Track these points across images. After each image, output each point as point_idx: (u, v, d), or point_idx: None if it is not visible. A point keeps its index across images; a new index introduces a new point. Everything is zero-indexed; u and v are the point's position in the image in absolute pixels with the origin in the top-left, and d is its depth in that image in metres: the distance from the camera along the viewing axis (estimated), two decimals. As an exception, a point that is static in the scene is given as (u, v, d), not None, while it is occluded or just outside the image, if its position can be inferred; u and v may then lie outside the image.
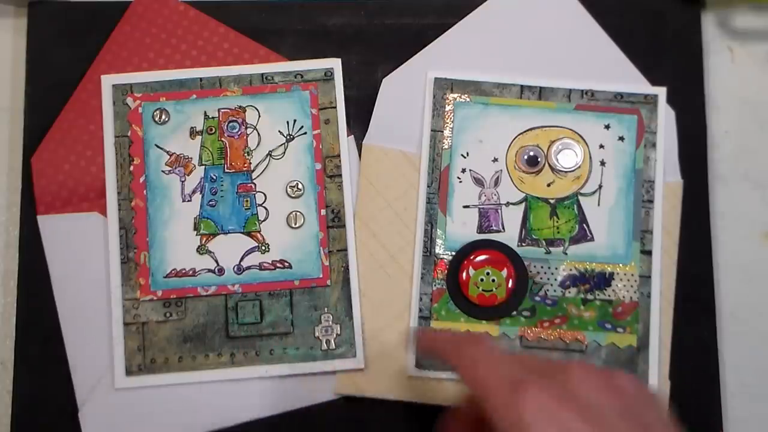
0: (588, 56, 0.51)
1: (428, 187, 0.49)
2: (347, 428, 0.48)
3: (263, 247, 0.49)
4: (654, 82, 0.50)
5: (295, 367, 0.47)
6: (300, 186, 0.49)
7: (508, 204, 0.49)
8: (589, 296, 0.48)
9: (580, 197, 0.49)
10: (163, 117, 0.50)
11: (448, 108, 0.50)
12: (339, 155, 0.49)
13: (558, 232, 0.49)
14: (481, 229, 0.49)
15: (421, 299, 0.48)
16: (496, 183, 0.49)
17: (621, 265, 0.48)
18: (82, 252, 0.49)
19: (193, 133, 0.50)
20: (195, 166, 0.49)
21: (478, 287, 0.48)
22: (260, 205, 0.49)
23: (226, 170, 0.49)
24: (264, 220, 0.49)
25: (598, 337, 0.48)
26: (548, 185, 0.49)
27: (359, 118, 0.50)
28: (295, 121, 0.50)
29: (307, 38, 0.51)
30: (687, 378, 0.48)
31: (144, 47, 0.50)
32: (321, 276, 0.48)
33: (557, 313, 0.48)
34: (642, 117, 0.50)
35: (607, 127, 0.50)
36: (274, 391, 0.47)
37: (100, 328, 0.48)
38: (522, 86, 0.50)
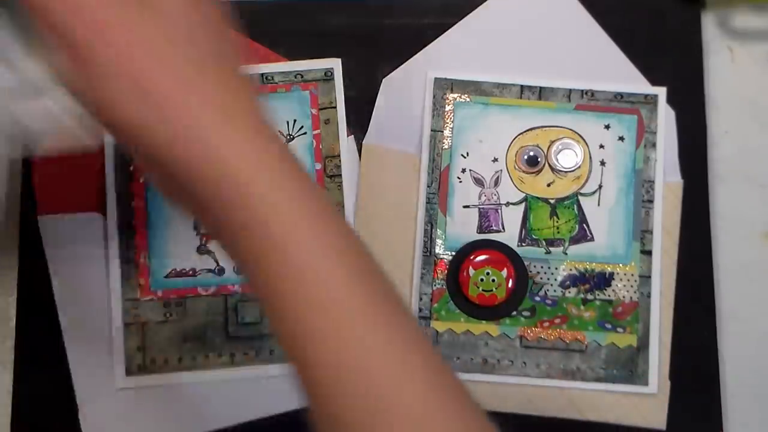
0: (588, 56, 0.51)
1: (428, 187, 0.49)
2: (347, 428, 0.48)
3: (263, 247, 0.49)
4: (654, 82, 0.50)
5: (295, 367, 0.47)
6: (300, 186, 0.49)
7: (508, 204, 0.49)
8: (589, 296, 0.48)
9: (580, 197, 0.49)
10: (163, 117, 0.50)
11: (448, 108, 0.50)
12: (339, 155, 0.49)
13: (558, 232, 0.49)
14: (481, 229, 0.49)
15: (421, 299, 0.48)
16: (496, 183, 0.49)
17: (621, 265, 0.48)
18: (82, 252, 0.49)
19: (193, 133, 0.50)
20: (195, 166, 0.49)
21: (478, 287, 0.48)
22: (260, 205, 0.49)
23: (226, 170, 0.49)
24: (264, 220, 0.49)
25: (598, 337, 0.48)
26: (548, 185, 0.49)
27: (359, 118, 0.50)
28: (295, 121, 0.50)
29: (307, 38, 0.51)
30: (687, 378, 0.48)
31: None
32: (321, 276, 0.48)
33: (557, 313, 0.48)
34: (642, 117, 0.50)
35: (607, 127, 0.50)
36: (274, 391, 0.47)
37: (100, 328, 0.48)
38: (522, 86, 0.50)
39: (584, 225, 0.49)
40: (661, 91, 0.50)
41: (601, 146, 0.49)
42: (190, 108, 0.29)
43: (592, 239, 0.49)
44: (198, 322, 0.48)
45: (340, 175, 0.49)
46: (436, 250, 0.49)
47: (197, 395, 0.47)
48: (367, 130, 0.50)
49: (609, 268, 0.48)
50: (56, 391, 0.47)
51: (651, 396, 0.47)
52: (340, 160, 0.49)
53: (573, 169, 0.49)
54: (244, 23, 0.51)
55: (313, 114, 0.50)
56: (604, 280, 0.48)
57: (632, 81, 0.50)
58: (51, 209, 0.49)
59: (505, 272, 0.48)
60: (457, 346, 0.48)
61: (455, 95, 0.50)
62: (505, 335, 0.48)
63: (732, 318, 0.50)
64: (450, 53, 0.51)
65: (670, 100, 0.50)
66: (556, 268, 0.48)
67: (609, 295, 0.48)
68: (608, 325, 0.48)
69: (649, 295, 0.48)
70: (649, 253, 0.49)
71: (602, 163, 0.49)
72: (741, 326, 0.50)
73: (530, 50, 0.51)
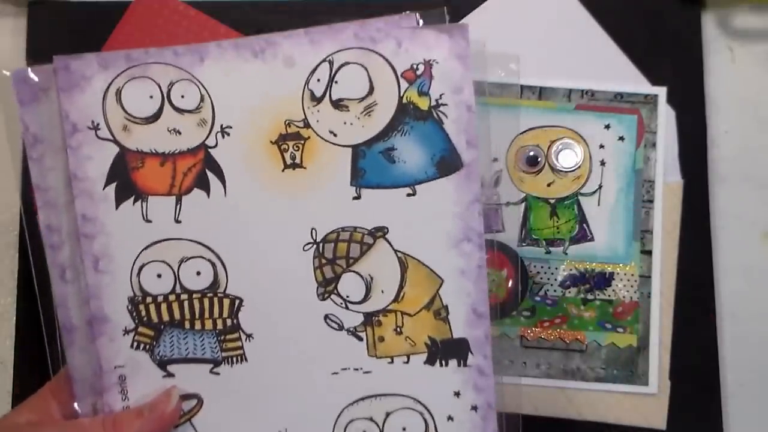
0: (588, 56, 0.51)
1: (428, 187, 0.49)
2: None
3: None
4: (654, 82, 0.50)
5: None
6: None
7: (508, 204, 0.49)
8: (589, 296, 0.48)
9: (580, 197, 0.49)
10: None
11: (448, 108, 0.50)
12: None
13: (558, 232, 0.49)
14: (481, 229, 0.49)
15: (421, 299, 0.48)
16: (496, 183, 0.49)
17: (621, 265, 0.48)
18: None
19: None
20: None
21: (478, 287, 0.47)
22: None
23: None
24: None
25: (598, 337, 0.48)
26: (548, 185, 0.49)
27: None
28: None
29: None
30: (687, 378, 0.48)
31: (144, 47, 0.50)
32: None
33: (557, 313, 0.48)
34: (642, 117, 0.50)
35: (607, 127, 0.50)
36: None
37: (100, 328, 0.48)
38: (522, 86, 0.50)
39: (584, 225, 0.49)
40: (661, 91, 0.50)
41: (601, 146, 0.49)
42: None
43: (592, 239, 0.49)
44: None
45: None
46: (436, 250, 0.49)
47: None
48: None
49: (609, 268, 0.48)
50: (56, 391, 0.47)
51: (651, 396, 0.47)
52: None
53: (573, 169, 0.49)
54: (245, 23, 0.51)
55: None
56: (604, 280, 0.48)
57: (632, 81, 0.50)
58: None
59: (505, 272, 0.48)
60: (457, 346, 0.48)
61: (455, 95, 0.50)
62: (505, 335, 0.48)
63: (732, 318, 0.50)
64: (450, 53, 0.51)
65: (670, 100, 0.50)
66: (556, 268, 0.48)
67: (609, 295, 0.48)
68: (608, 325, 0.48)
69: (649, 295, 0.48)
70: (649, 253, 0.49)
71: (602, 163, 0.49)
72: (741, 326, 0.50)
73: (530, 50, 0.51)
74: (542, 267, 0.48)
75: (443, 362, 0.42)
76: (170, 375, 0.42)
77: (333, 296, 0.42)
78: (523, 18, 0.51)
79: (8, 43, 0.53)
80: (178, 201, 0.41)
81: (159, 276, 0.41)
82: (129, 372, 0.42)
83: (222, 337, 0.42)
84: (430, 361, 0.42)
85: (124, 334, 0.42)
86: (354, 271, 0.42)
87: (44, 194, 0.41)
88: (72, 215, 0.41)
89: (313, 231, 0.41)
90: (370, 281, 0.42)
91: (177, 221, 0.41)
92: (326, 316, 0.42)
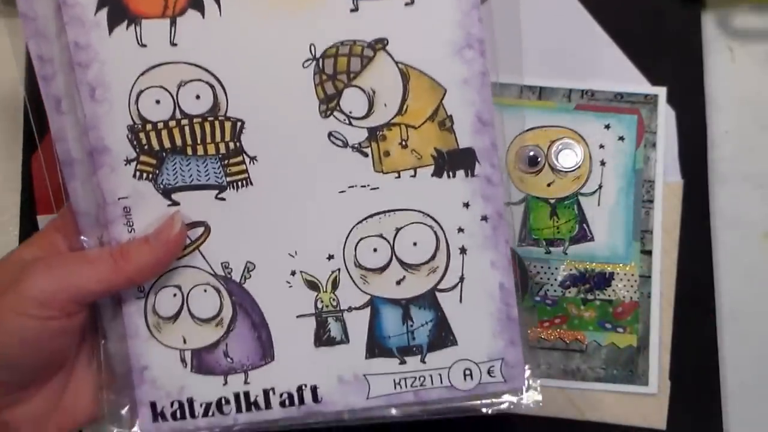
0: (588, 56, 0.51)
1: (428, 187, 0.49)
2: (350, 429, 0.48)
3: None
4: (654, 82, 0.50)
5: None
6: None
7: (508, 204, 0.49)
8: (589, 296, 0.48)
9: (580, 197, 0.49)
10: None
11: (448, 108, 0.50)
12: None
13: (558, 232, 0.49)
14: (481, 229, 0.49)
15: (421, 299, 0.48)
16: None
17: (621, 265, 0.48)
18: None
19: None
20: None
21: (478, 287, 0.47)
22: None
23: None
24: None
25: (598, 337, 0.48)
26: (548, 185, 0.49)
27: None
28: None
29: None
30: (687, 378, 0.48)
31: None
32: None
33: (557, 313, 0.48)
34: (642, 117, 0.50)
35: (607, 127, 0.50)
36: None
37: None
38: (522, 86, 0.50)
39: (584, 225, 0.49)
40: (661, 91, 0.50)
41: (601, 146, 0.49)
42: None
43: (592, 239, 0.49)
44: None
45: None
46: (436, 250, 0.48)
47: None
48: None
49: (609, 268, 0.49)
50: (56, 391, 0.47)
51: (651, 396, 0.47)
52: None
53: (573, 169, 0.49)
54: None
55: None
56: (604, 280, 0.48)
57: (632, 81, 0.50)
58: (51, 209, 0.49)
59: (505, 272, 0.48)
60: (457, 346, 0.48)
61: (455, 95, 0.50)
62: (505, 335, 0.48)
63: (732, 318, 0.50)
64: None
65: (670, 100, 0.50)
66: (556, 268, 0.48)
67: (609, 295, 0.48)
68: (608, 325, 0.48)
69: (649, 295, 0.48)
70: (649, 253, 0.49)
71: (602, 163, 0.49)
72: (741, 326, 0.50)
73: (530, 50, 0.51)
74: (542, 267, 0.48)
75: (450, 173, 0.41)
76: (175, 203, 0.41)
77: (336, 113, 0.41)
78: (523, 18, 0.51)
79: (8, 43, 0.52)
80: (173, 23, 0.40)
81: (158, 102, 0.40)
82: (133, 203, 0.41)
83: (225, 162, 0.41)
84: (437, 173, 0.41)
85: (125, 164, 0.40)
86: (356, 86, 0.41)
87: (33, 23, 0.40)
88: (64, 44, 0.40)
89: (312, 47, 0.40)
90: (373, 95, 0.41)
91: (173, 44, 0.40)
92: (330, 134, 0.41)
